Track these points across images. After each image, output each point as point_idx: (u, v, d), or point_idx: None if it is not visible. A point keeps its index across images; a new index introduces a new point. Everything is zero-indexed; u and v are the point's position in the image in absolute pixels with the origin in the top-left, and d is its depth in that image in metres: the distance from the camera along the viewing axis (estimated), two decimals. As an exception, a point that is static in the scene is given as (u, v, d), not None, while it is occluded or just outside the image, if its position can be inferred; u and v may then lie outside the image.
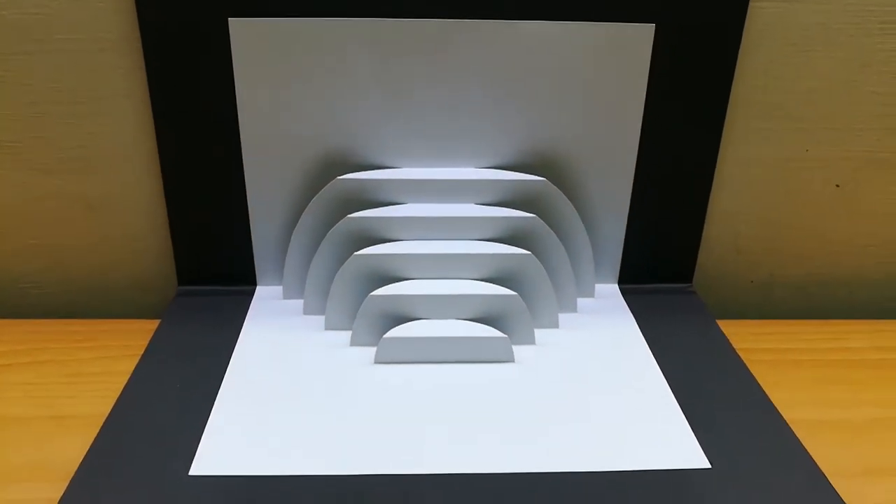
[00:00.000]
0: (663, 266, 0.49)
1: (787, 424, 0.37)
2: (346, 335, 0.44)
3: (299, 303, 0.47)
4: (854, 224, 0.49)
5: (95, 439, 0.35)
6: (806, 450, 0.36)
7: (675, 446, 0.36)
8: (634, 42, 0.43)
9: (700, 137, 0.46)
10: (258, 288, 0.48)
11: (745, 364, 0.42)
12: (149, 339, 0.44)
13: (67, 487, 0.33)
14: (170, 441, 0.36)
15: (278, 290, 0.48)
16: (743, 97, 0.45)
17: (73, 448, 0.36)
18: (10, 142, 0.45)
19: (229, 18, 0.41)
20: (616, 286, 0.49)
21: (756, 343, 0.45)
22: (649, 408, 0.39)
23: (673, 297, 0.49)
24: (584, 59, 0.43)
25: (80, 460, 0.35)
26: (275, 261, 0.48)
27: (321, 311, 0.46)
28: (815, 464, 0.35)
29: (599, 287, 0.49)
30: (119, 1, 0.41)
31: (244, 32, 0.41)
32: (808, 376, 0.42)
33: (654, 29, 0.42)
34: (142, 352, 0.43)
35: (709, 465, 0.35)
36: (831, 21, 0.44)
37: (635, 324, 0.45)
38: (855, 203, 0.49)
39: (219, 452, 0.35)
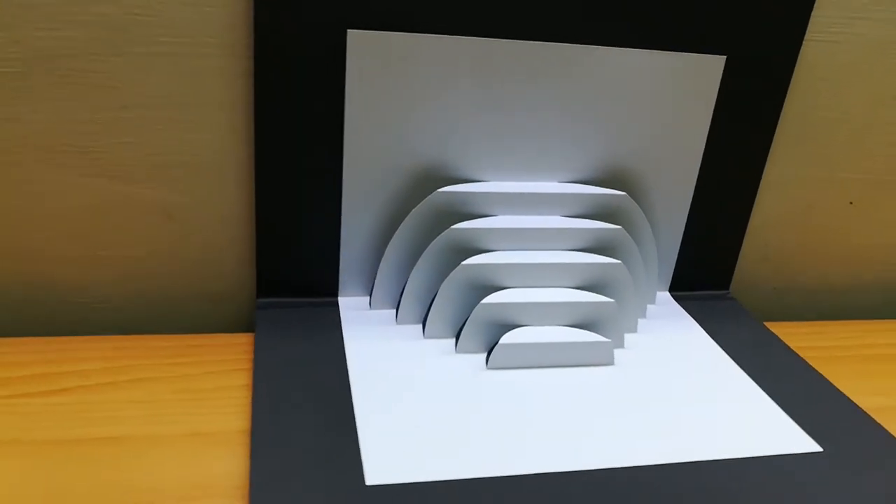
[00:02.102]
0: (707, 274, 0.54)
1: (865, 411, 0.42)
2: (447, 343, 0.45)
3: (389, 313, 0.47)
4: (864, 236, 0.57)
5: (253, 456, 0.35)
6: (887, 430, 0.41)
7: (783, 433, 0.40)
8: (706, 71, 0.47)
9: (750, 158, 0.51)
10: (340, 299, 0.48)
11: (804, 359, 0.47)
12: (243, 352, 0.43)
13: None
14: (330, 454, 0.35)
15: (362, 300, 0.48)
16: (781, 124, 0.51)
17: (226, 464, 0.35)
18: (90, 147, 0.42)
19: (348, 30, 0.41)
20: (668, 293, 0.54)
21: (798, 342, 0.50)
22: (744, 400, 0.43)
23: (717, 302, 0.53)
24: (659, 85, 0.46)
25: (243, 477, 0.34)
26: (359, 272, 0.48)
27: (416, 321, 0.46)
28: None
29: (657, 294, 0.53)
30: (231, 5, 0.40)
31: (361, 44, 0.42)
32: (857, 369, 0.48)
33: (724, 60, 0.47)
34: (243, 366, 0.42)
35: (820, 449, 0.39)
36: (858, 60, 0.50)
37: (699, 326, 0.50)
38: (866, 217, 0.56)
39: (385, 461, 0.35)
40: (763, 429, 0.40)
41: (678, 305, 0.52)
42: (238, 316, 0.48)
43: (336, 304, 0.48)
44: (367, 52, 0.42)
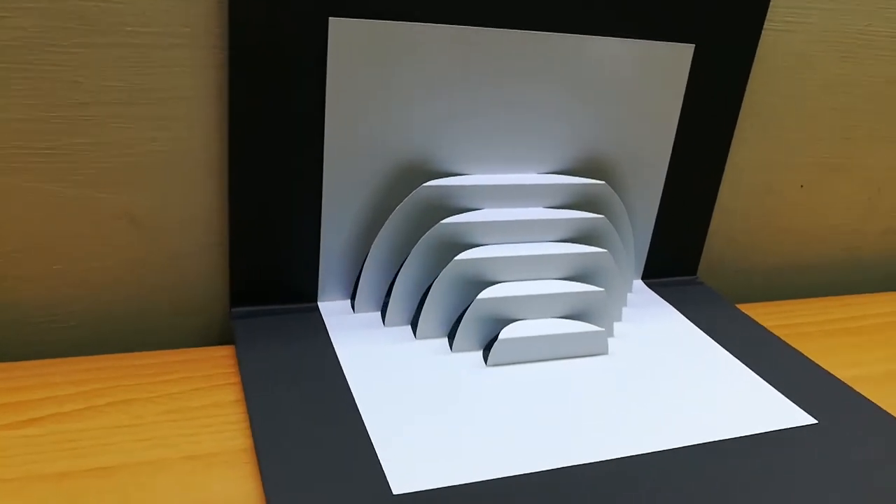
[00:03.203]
0: (676, 260, 0.55)
1: (846, 383, 0.44)
2: (439, 343, 0.43)
3: (373, 316, 0.45)
4: (816, 218, 0.59)
5: (264, 475, 0.32)
6: (870, 399, 0.43)
7: (778, 409, 0.41)
8: (676, 59, 0.48)
9: (715, 145, 0.52)
10: (321, 304, 0.46)
11: (778, 337, 0.49)
12: (226, 366, 0.41)
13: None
14: (348, 466, 0.33)
15: (343, 304, 0.46)
16: (742, 110, 0.53)
17: (235, 487, 0.32)
18: (45, 149, 0.38)
19: (330, 17, 0.39)
20: (641, 281, 0.54)
21: (768, 321, 0.52)
22: (735, 380, 0.43)
23: (688, 287, 0.54)
24: (632, 73, 0.47)
25: (256, 498, 0.32)
26: (339, 275, 0.45)
27: (404, 322, 0.45)
28: (885, 411, 0.42)
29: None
30: (204, -7, 0.37)
31: (343, 32, 0.40)
32: (826, 344, 0.50)
33: (693, 49, 0.48)
34: (229, 380, 0.39)
35: (815, 421, 0.40)
36: (810, 49, 0.53)
37: (678, 312, 0.50)
38: (816, 200, 0.58)
39: (407, 469, 0.33)
40: (760, 406, 0.41)
41: (653, 293, 0.53)
42: (209, 328, 0.45)
43: (316, 310, 0.45)
44: (350, 41, 0.40)
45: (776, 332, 0.50)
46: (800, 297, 0.60)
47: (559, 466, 0.35)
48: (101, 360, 0.39)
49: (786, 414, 0.41)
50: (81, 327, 0.42)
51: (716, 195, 0.54)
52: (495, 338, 0.42)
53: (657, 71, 0.47)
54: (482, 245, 0.44)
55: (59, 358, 0.40)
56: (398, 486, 0.32)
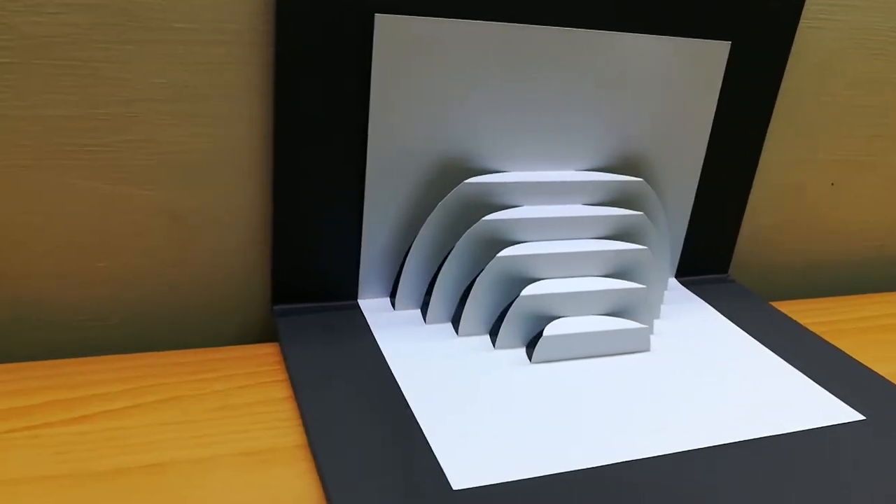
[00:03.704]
0: (709, 258, 0.55)
1: (888, 379, 0.44)
2: (481, 340, 0.43)
3: (414, 313, 0.45)
4: (846, 215, 0.59)
5: (323, 471, 0.32)
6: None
7: (825, 405, 0.41)
8: (712, 56, 0.48)
9: (749, 142, 0.52)
10: (360, 301, 0.45)
11: (816, 334, 0.48)
12: (271, 363, 0.40)
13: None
14: (405, 462, 0.33)
15: (383, 302, 0.46)
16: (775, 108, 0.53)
17: (291, 483, 0.32)
18: (89, 146, 0.38)
19: (376, 14, 0.39)
20: (675, 279, 0.54)
21: (802, 318, 0.52)
22: (779, 377, 0.43)
23: (721, 285, 0.54)
24: (669, 70, 0.47)
25: (314, 494, 0.31)
26: (379, 272, 0.45)
27: (445, 319, 0.44)
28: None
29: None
30: (251, -11, 0.37)
31: (388, 29, 0.39)
32: (862, 340, 0.50)
33: (729, 46, 0.48)
34: (275, 377, 0.39)
35: (863, 417, 0.40)
36: (840, 46, 0.53)
37: (714, 310, 0.50)
38: (846, 197, 0.58)
39: (464, 465, 0.33)
40: (805, 403, 0.41)
41: (687, 290, 0.53)
42: (248, 326, 0.45)
43: (357, 307, 0.45)
44: (395, 37, 0.40)
45: (811, 329, 0.50)
46: (828, 295, 0.60)
47: (611, 462, 0.35)
48: (145, 357, 0.39)
49: (833, 410, 0.41)
50: (123, 325, 0.42)
51: (748, 193, 0.53)
52: (538, 335, 0.42)
53: (694, 68, 0.47)
54: (523, 242, 0.44)
55: (103, 355, 0.39)
56: (457, 482, 0.32)
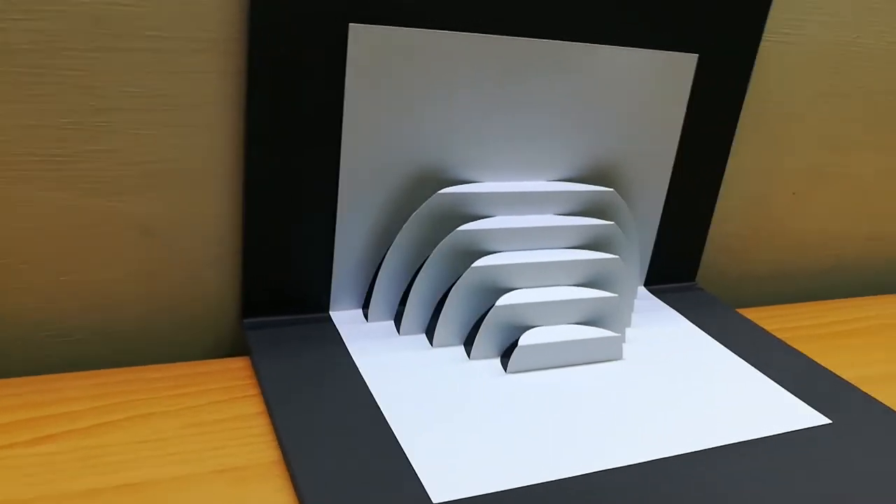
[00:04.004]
0: (676, 266, 0.56)
1: (852, 383, 0.45)
2: (455, 351, 0.43)
3: (387, 325, 0.45)
4: (807, 224, 0.60)
5: (300, 487, 0.31)
6: (879, 401, 0.44)
7: (792, 410, 0.42)
8: (681, 68, 0.49)
9: (715, 153, 0.53)
10: (332, 313, 0.45)
11: (782, 340, 0.50)
12: (243, 377, 0.40)
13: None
14: (384, 476, 0.33)
15: (355, 314, 0.45)
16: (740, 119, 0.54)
17: (269, 500, 0.31)
18: (57, 155, 0.37)
19: (350, 24, 0.39)
20: (644, 287, 0.55)
21: (767, 325, 0.53)
22: (748, 383, 0.44)
23: (689, 293, 0.55)
24: (639, 82, 0.47)
25: (296, 511, 0.31)
26: (351, 284, 0.45)
27: (419, 330, 0.44)
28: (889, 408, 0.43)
29: (636, 289, 0.54)
30: (225, -1, 0.37)
31: (362, 39, 0.39)
32: (826, 346, 0.51)
33: (697, 58, 0.49)
34: (248, 392, 0.38)
35: (829, 421, 0.41)
36: (804, 60, 0.54)
37: (683, 318, 0.51)
38: (807, 206, 0.60)
39: (443, 478, 0.33)
40: (774, 408, 0.42)
41: (656, 298, 0.53)
42: (220, 339, 0.44)
43: (329, 320, 0.44)
44: (369, 47, 0.40)
45: (777, 335, 0.51)
46: (790, 301, 0.61)
47: (588, 472, 0.35)
48: (113, 373, 0.38)
49: (800, 415, 0.41)
50: (89, 341, 0.41)
51: (715, 202, 0.54)
52: (513, 345, 0.42)
53: (662, 80, 0.48)
54: (496, 252, 0.44)
55: (68, 372, 0.38)
56: (437, 495, 0.32)
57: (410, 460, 0.34)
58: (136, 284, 0.41)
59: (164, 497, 0.31)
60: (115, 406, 0.36)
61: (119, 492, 0.31)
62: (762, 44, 0.51)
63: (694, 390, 0.42)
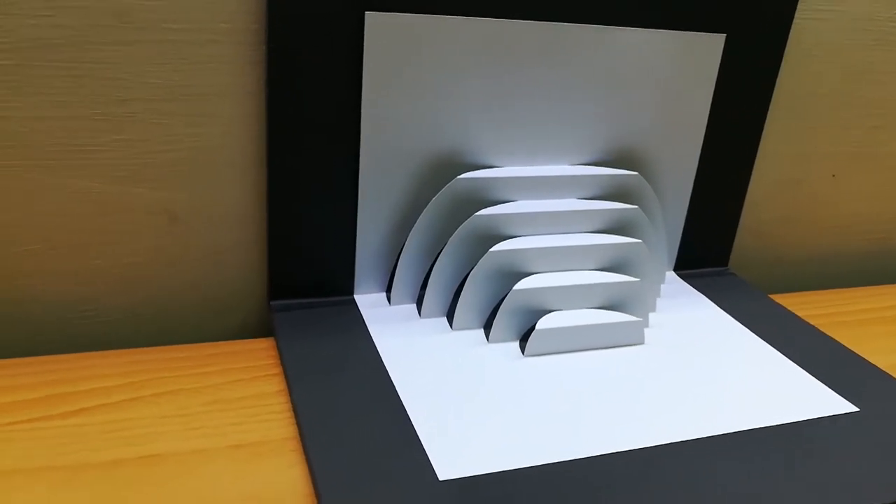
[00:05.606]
0: (707, 251, 0.55)
1: (885, 370, 0.44)
2: (475, 334, 0.44)
3: (409, 308, 0.45)
4: (846, 207, 0.59)
5: (312, 462, 0.32)
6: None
7: (819, 397, 0.41)
8: (708, 49, 0.48)
9: (746, 135, 0.52)
10: (356, 297, 0.46)
11: (814, 326, 0.48)
12: (266, 357, 0.41)
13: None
14: (394, 453, 0.33)
15: (379, 297, 0.46)
16: (773, 100, 0.52)
17: (283, 474, 0.33)
18: (86, 145, 0.39)
19: (366, 12, 0.40)
20: (673, 272, 0.54)
21: (801, 311, 0.52)
22: (773, 369, 0.43)
23: (720, 278, 0.54)
24: (664, 64, 0.47)
25: (305, 484, 0.32)
26: (374, 268, 0.46)
27: (440, 313, 0.45)
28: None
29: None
30: (243, -11, 0.38)
31: (379, 27, 0.40)
32: (860, 333, 0.50)
33: (724, 38, 0.48)
34: (270, 371, 0.40)
35: (856, 409, 0.40)
36: (839, 38, 0.52)
37: (712, 303, 0.50)
38: (847, 189, 0.58)
39: (451, 456, 0.34)
40: (799, 394, 0.41)
41: (686, 283, 0.53)
42: (246, 322, 0.46)
43: (353, 303, 0.45)
44: (385, 34, 0.40)
45: (810, 321, 0.50)
46: (829, 287, 0.60)
47: (600, 454, 0.35)
48: (144, 352, 0.40)
49: (826, 402, 0.41)
50: (120, 322, 0.43)
51: (747, 186, 0.53)
52: (532, 328, 0.43)
53: (688, 61, 0.47)
54: (517, 237, 0.45)
55: (101, 351, 0.40)
56: (443, 473, 0.33)
57: (421, 439, 0.35)
58: (164, 268, 0.43)
59: (182, 468, 0.32)
60: (144, 383, 0.38)
61: (142, 462, 0.32)
62: (795, 21, 0.50)
63: (716, 375, 0.42)
